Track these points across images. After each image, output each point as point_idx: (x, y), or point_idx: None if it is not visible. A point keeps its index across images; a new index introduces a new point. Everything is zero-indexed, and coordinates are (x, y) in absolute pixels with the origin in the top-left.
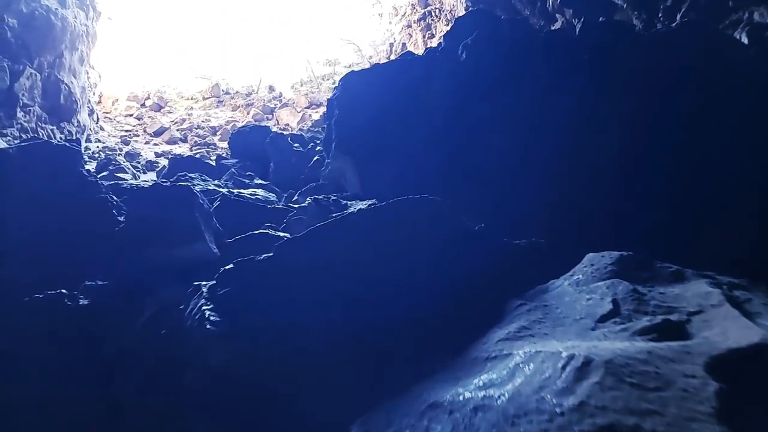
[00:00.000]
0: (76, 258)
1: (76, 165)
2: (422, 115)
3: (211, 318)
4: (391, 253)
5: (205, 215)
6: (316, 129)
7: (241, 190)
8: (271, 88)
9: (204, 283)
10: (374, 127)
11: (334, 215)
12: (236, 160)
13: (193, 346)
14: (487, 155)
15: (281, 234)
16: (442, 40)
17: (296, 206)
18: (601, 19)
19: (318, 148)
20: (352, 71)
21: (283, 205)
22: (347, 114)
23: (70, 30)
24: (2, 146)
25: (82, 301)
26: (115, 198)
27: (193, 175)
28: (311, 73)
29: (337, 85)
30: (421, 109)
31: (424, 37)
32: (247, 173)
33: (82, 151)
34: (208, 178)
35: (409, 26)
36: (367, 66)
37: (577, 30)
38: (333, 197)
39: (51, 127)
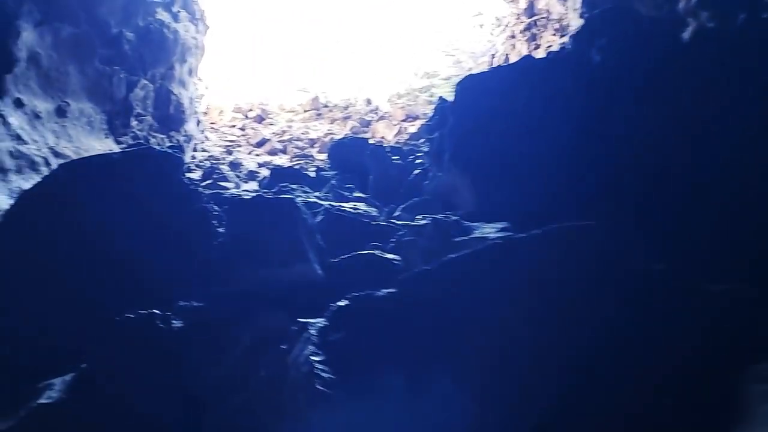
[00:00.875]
0: (171, 273)
1: (178, 172)
2: (548, 123)
3: (322, 374)
4: (552, 297)
5: (309, 230)
6: (414, 142)
7: (342, 204)
8: (369, 101)
9: (312, 321)
10: (494, 137)
11: (456, 239)
12: (335, 172)
13: (295, 405)
14: (638, 171)
15: (390, 256)
16: (568, 41)
17: (400, 223)
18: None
19: (418, 161)
20: (471, 74)
21: (384, 220)
22: (463, 122)
23: (181, 43)
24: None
25: (175, 324)
26: (216, 208)
27: (294, 186)
28: (408, 85)
29: (434, 98)
30: (547, 117)
31: (528, 48)
32: (347, 185)
33: (188, 160)
34: (308, 190)
35: (513, 37)
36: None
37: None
38: (453, 217)
39: (161, 135)
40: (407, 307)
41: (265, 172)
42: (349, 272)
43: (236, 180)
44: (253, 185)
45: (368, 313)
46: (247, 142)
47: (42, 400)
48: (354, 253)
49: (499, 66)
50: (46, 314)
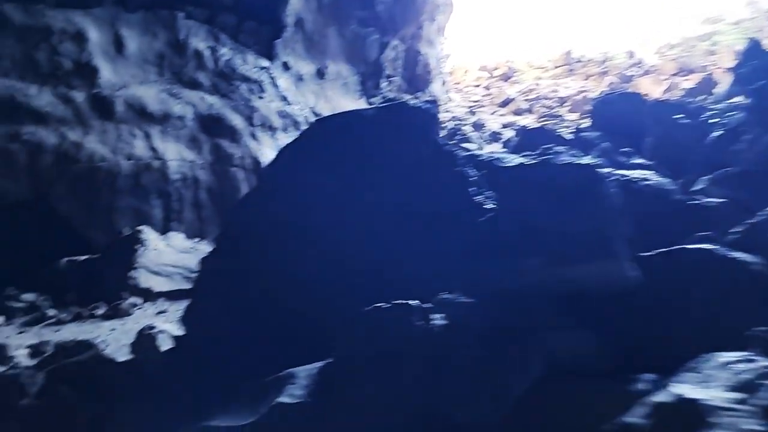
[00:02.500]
0: (426, 252)
1: (431, 131)
2: None
3: None
4: None
5: (613, 213)
6: (698, 99)
7: (625, 172)
8: (631, 54)
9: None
10: None
11: None
12: (599, 134)
13: None
14: None
15: (739, 256)
16: None
17: (714, 202)
18: None
19: (712, 120)
20: None
21: (689, 198)
22: None
23: (431, 1)
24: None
25: (435, 321)
26: (473, 173)
27: (560, 149)
28: (682, 34)
29: (718, 46)
30: None
31: None
32: (621, 150)
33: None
34: (577, 153)
35: None
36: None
37: None
38: None
39: (408, 96)
40: None
41: (508, 133)
42: (671, 275)
43: (479, 141)
44: (496, 147)
45: None
46: (491, 102)
47: (283, 399)
48: (678, 246)
49: None
50: (297, 287)
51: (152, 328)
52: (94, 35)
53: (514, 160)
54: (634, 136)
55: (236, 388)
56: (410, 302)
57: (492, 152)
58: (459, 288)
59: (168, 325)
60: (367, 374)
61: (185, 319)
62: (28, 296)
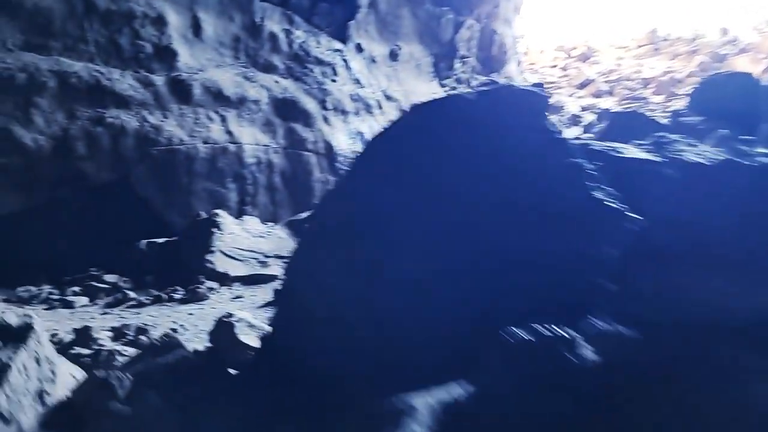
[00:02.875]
0: (555, 265)
1: (540, 116)
2: None
3: None
4: None
5: None
6: None
7: None
8: (724, 31)
9: None
10: None
11: None
12: (702, 118)
13: None
14: None
15: None
16: None
17: None
18: None
19: None
20: None
21: None
22: None
23: None
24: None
25: (586, 355)
26: (590, 165)
27: (673, 137)
28: None
29: None
30: None
31: None
32: (741, 137)
33: None
34: (694, 142)
35: None
36: None
37: None
38: None
39: (482, 78)
40: None
41: (589, 117)
42: None
43: (558, 125)
44: (576, 131)
45: None
46: (569, 84)
47: None
48: None
49: None
50: (398, 291)
51: (230, 315)
52: (173, 19)
53: (634, 152)
54: (745, 121)
55: (328, 405)
56: (562, 330)
57: (610, 145)
58: (609, 312)
59: (245, 313)
60: (513, 412)
61: (273, 317)
62: (110, 277)
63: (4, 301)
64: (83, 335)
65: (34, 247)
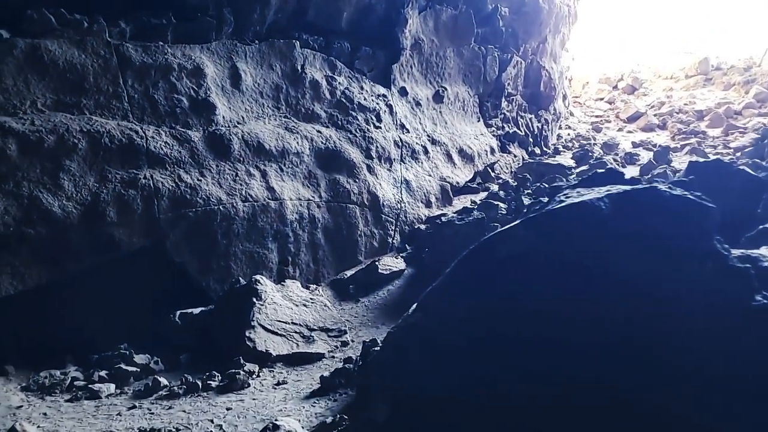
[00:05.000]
0: None
1: (707, 236)
2: None
3: None
4: None
5: None
6: None
7: None
8: None
9: None
10: None
11: None
12: None
13: None
14: None
15: None
16: None
17: None
18: None
19: None
20: None
21: None
22: None
23: (555, 12)
24: (580, 199)
25: None
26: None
27: None
28: None
29: None
30: None
31: None
32: None
33: (554, 141)
34: None
35: None
36: None
37: None
38: None
39: (529, 116)
40: None
41: (645, 155)
42: None
43: (615, 165)
44: (632, 171)
45: None
46: (617, 117)
47: None
48: None
49: None
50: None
51: (276, 428)
52: (211, 70)
53: None
54: None
55: None
56: None
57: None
58: None
59: (294, 423)
60: None
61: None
62: (141, 358)
63: (24, 389)
64: None
65: (60, 324)
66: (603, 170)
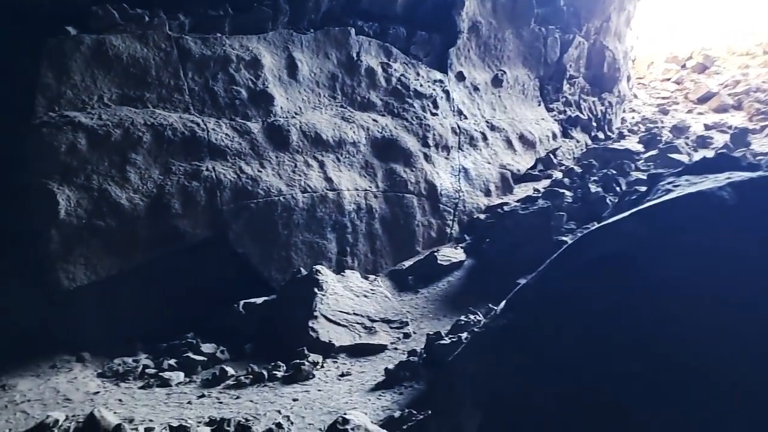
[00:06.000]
0: None
1: None
2: None
3: None
4: None
5: None
6: None
7: None
8: None
9: None
10: None
11: None
12: None
13: None
14: None
15: None
16: None
17: None
18: None
19: None
20: None
21: None
22: None
23: None
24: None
25: None
26: None
27: None
28: None
29: None
30: None
31: None
32: None
33: (618, 124)
34: None
35: None
36: None
37: None
38: None
39: (592, 98)
40: None
41: (719, 138)
42: None
43: (686, 149)
44: (706, 153)
45: None
46: (686, 98)
47: None
48: None
49: None
50: None
51: (345, 422)
52: (268, 61)
53: None
54: None
55: None
56: None
57: None
58: None
59: (363, 417)
60: None
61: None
62: (208, 347)
63: (99, 375)
64: None
65: (130, 313)
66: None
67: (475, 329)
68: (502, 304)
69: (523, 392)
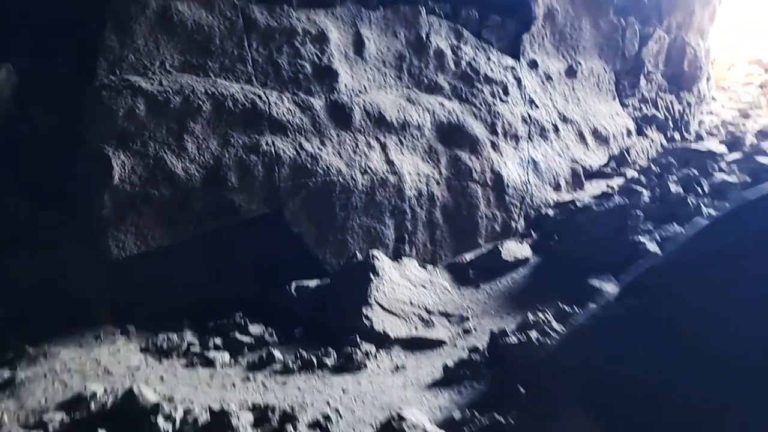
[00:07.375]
0: None
1: None
2: None
3: None
4: None
5: None
6: None
7: None
8: None
9: None
10: None
11: None
12: None
13: None
14: None
15: None
16: None
17: None
18: None
19: None
20: None
21: None
22: None
23: None
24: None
25: None
26: None
27: None
28: None
29: None
30: None
31: None
32: None
33: (696, 128)
34: None
35: None
36: None
37: None
38: None
39: (670, 97)
40: None
41: None
42: None
43: None
44: None
45: None
46: None
47: None
48: None
49: None
50: None
51: (401, 419)
52: (335, 36)
53: None
54: None
55: None
56: None
57: None
58: None
59: (421, 416)
60: None
61: None
62: (255, 329)
63: (143, 350)
64: (220, 422)
65: (179, 287)
66: None
67: (580, 324)
68: (612, 291)
69: (657, 393)
